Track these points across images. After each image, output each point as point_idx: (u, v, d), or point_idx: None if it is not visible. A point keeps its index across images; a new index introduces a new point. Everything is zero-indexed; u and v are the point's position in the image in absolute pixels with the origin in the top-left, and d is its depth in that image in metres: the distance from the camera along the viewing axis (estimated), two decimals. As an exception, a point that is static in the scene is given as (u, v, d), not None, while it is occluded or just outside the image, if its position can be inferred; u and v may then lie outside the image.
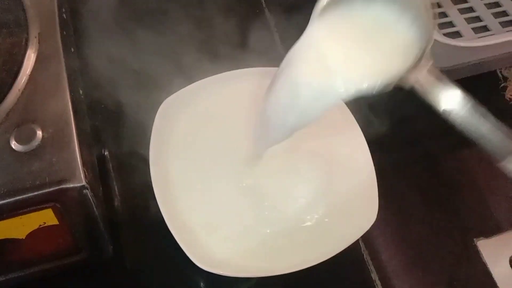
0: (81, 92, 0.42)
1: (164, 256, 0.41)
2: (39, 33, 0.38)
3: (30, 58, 0.36)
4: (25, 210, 0.32)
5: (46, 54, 0.37)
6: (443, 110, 0.26)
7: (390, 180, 0.49)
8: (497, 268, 0.45)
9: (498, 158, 0.26)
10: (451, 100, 0.26)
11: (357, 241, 0.44)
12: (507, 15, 0.55)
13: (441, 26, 0.53)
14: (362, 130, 0.44)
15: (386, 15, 0.26)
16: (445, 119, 0.25)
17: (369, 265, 0.44)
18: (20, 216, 0.32)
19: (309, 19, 0.52)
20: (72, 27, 0.45)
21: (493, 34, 0.53)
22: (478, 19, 0.55)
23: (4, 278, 0.36)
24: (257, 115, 0.37)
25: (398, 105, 0.54)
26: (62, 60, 0.37)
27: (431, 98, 0.26)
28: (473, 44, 0.49)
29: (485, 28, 0.54)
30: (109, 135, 0.48)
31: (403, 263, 0.44)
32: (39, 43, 0.37)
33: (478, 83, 0.55)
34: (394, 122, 0.53)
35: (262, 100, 0.35)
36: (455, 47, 0.48)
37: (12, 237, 0.33)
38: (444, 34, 0.51)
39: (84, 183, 0.32)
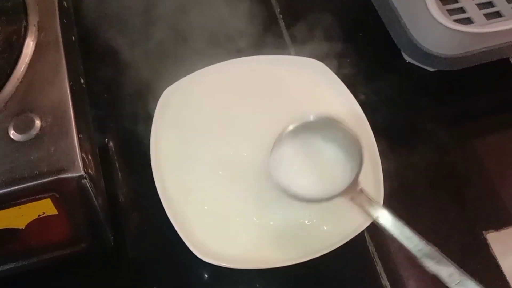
0: (82, 81, 0.42)
1: (165, 246, 0.41)
2: (38, 21, 0.37)
3: (29, 47, 0.36)
4: (24, 199, 0.32)
5: (45, 42, 0.37)
6: (375, 219, 0.35)
7: (398, 171, 0.48)
8: (507, 261, 0.44)
9: (416, 256, 0.34)
10: (379, 216, 0.35)
11: (363, 233, 0.43)
12: (521, 0, 0.53)
13: (451, 12, 0.51)
14: (369, 120, 0.43)
15: (328, 150, 0.39)
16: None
17: (374, 257, 0.43)
18: (19, 206, 0.32)
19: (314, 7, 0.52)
20: (74, 15, 0.45)
21: (506, 20, 0.51)
22: (490, 4, 0.53)
23: (4, 268, 0.36)
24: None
25: (408, 96, 0.53)
26: (62, 48, 0.37)
27: (364, 212, 0.36)
28: (484, 30, 0.47)
29: (497, 14, 0.52)
30: (112, 125, 0.48)
31: (409, 255, 0.43)
32: (38, 31, 0.37)
33: (490, 70, 0.53)
34: (403, 112, 0.52)
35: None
36: (466, 33, 0.46)
37: (11, 227, 0.33)
38: (455, 20, 0.49)
39: (82, 172, 0.32)
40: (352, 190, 0.36)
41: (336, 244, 0.37)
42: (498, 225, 0.46)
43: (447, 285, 0.32)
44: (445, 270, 0.31)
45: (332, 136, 0.38)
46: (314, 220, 0.39)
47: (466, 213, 0.46)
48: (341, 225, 0.39)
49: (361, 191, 0.36)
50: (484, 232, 0.45)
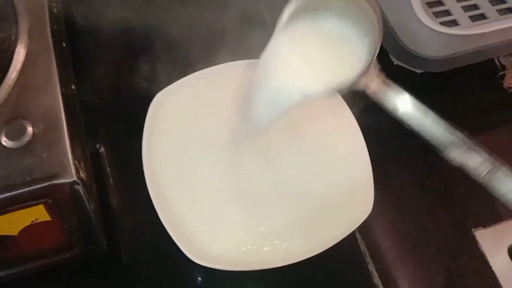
0: (73, 87, 0.42)
1: (159, 251, 0.41)
2: (28, 28, 0.37)
3: (20, 54, 0.36)
4: (17, 206, 0.32)
5: (36, 49, 0.37)
6: (392, 109, 0.31)
7: (387, 171, 0.48)
8: (496, 258, 0.45)
9: (440, 148, 0.30)
10: (398, 101, 0.30)
11: (354, 232, 0.44)
12: (504, 2, 0.54)
13: (437, 15, 0.52)
14: (358, 120, 0.43)
15: (341, 28, 0.32)
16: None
17: (366, 257, 0.43)
18: (12, 213, 0.32)
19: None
20: (64, 22, 0.45)
21: (491, 22, 0.52)
22: (475, 7, 0.54)
23: (-2, 275, 0.36)
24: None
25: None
26: (53, 55, 0.37)
27: (380, 100, 0.31)
28: (470, 32, 0.48)
29: (482, 16, 0.53)
30: (104, 131, 0.48)
31: (400, 254, 0.44)
32: (29, 38, 0.37)
33: (476, 71, 0.54)
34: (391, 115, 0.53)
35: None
36: (452, 35, 0.47)
37: (4, 234, 0.33)
38: (441, 23, 0.50)
39: (75, 178, 0.32)
40: (368, 73, 0.31)
41: (328, 244, 0.37)
42: (487, 223, 0.46)
43: (475, 177, 0.28)
44: (475, 159, 0.28)
45: (340, 11, 0.32)
46: (306, 220, 0.39)
47: (455, 212, 0.47)
48: (333, 225, 0.39)
49: (380, 72, 0.31)
50: (473, 229, 0.46)
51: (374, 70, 0.30)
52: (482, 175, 0.28)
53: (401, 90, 0.30)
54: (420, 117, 0.29)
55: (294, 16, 0.31)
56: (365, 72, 0.30)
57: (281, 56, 0.31)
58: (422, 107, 0.30)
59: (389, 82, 0.30)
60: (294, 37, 0.32)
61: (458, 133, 0.29)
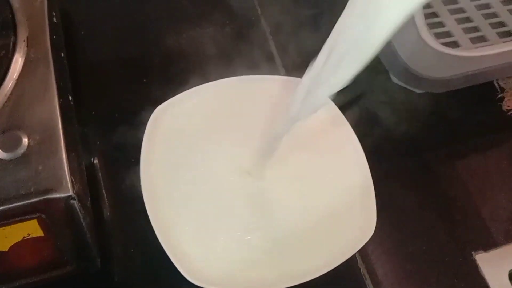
0: (70, 98, 0.41)
1: (153, 269, 0.40)
2: (27, 37, 0.36)
3: (17, 62, 0.35)
4: (9, 221, 0.31)
5: (34, 58, 0.36)
6: None
7: (387, 194, 0.48)
8: (496, 283, 0.44)
9: None
10: None
11: (354, 255, 0.43)
12: (504, 25, 0.55)
13: (438, 35, 0.52)
14: (360, 142, 0.43)
15: None
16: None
17: (366, 279, 0.43)
18: (3, 228, 0.31)
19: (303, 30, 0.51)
20: (63, 31, 0.44)
21: (491, 45, 0.52)
22: (475, 29, 0.54)
23: (-15, 293, 0.34)
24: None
25: (395, 118, 0.54)
26: (51, 64, 0.36)
27: None
28: (470, 54, 0.48)
29: (482, 39, 0.54)
30: (99, 143, 0.47)
31: (400, 277, 0.43)
32: (27, 47, 0.36)
33: (475, 93, 0.54)
34: (390, 133, 0.52)
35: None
36: (454, 56, 0.47)
37: (-6, 249, 0.32)
38: (442, 44, 0.50)
39: (71, 193, 0.31)
40: None
41: (328, 267, 0.36)
42: (487, 246, 0.46)
43: None
44: None
45: None
46: (305, 243, 0.38)
47: (456, 235, 0.47)
48: (333, 247, 0.38)
49: None
50: (473, 253, 0.45)
51: None
52: None
53: None
54: None
55: None
56: None
57: None
58: None
59: None
60: None
61: None
